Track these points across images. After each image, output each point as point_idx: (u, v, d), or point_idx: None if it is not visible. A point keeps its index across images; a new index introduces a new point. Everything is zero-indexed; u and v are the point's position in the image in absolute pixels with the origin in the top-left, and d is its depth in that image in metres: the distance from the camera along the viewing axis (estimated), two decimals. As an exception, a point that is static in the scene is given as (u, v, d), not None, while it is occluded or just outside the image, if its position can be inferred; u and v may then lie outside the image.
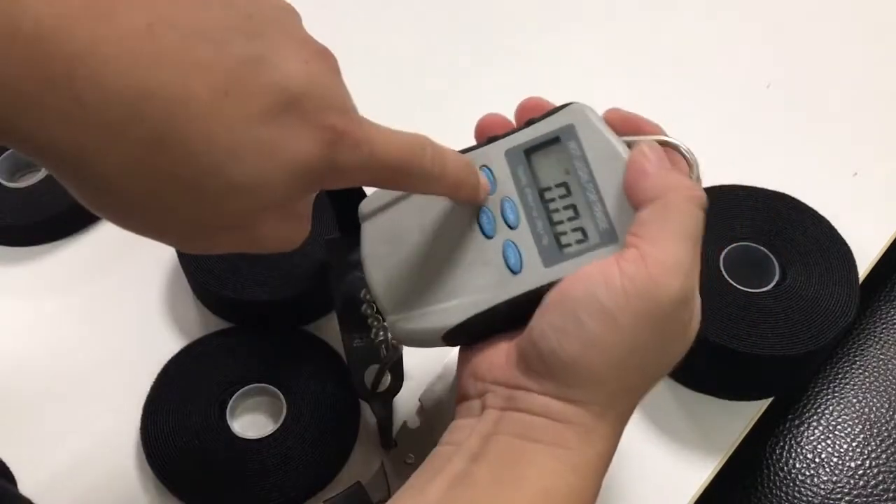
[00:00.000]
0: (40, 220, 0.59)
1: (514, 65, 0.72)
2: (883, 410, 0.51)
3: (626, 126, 0.38)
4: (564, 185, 0.38)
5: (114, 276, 0.58)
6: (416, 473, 0.37)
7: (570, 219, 0.37)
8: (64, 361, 0.54)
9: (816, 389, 0.53)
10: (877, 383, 0.52)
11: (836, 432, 0.50)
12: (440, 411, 0.51)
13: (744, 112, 0.69)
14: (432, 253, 0.39)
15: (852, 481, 0.48)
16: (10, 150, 0.61)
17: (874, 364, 0.53)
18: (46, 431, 0.52)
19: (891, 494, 0.47)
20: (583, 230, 0.37)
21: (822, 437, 0.50)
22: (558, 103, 0.40)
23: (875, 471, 0.48)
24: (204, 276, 0.54)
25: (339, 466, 0.50)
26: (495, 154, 0.39)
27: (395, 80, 0.71)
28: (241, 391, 0.51)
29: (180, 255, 0.55)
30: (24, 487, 0.49)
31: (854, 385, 0.52)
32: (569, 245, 0.37)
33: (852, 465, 0.48)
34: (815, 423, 0.51)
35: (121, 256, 0.59)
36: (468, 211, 0.38)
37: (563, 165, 0.38)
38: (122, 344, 0.55)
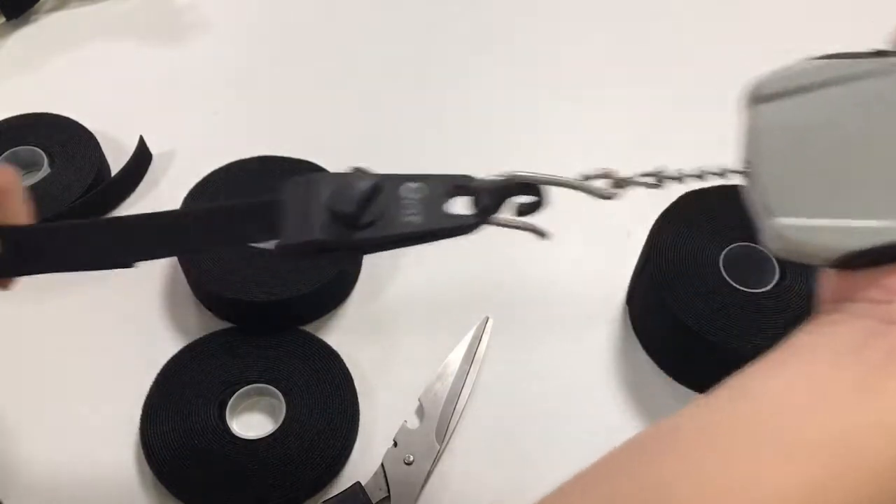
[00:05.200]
0: (40, 220, 0.59)
1: (513, 64, 0.72)
2: (883, 410, 0.50)
3: None
4: None
5: (114, 276, 0.58)
6: (785, 353, 0.33)
7: None
8: (64, 361, 0.54)
9: (816, 389, 0.52)
10: (877, 383, 0.52)
11: (836, 432, 0.50)
12: (439, 412, 0.51)
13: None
14: (845, 159, 0.34)
15: (852, 481, 0.48)
16: (10, 150, 0.61)
17: (874, 364, 0.53)
18: (46, 431, 0.52)
19: (891, 494, 0.47)
20: None
21: (822, 437, 0.50)
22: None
23: (875, 471, 0.48)
24: (204, 276, 0.54)
25: (339, 466, 0.50)
26: None
27: (394, 80, 0.71)
28: (240, 391, 0.51)
29: (180, 256, 0.55)
30: (23, 487, 0.49)
31: (854, 385, 0.52)
32: None
33: (852, 465, 0.48)
34: (814, 423, 0.51)
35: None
36: None
37: None
38: (122, 344, 0.55)
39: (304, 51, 0.72)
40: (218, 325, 0.55)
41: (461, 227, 0.38)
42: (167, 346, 0.54)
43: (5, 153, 0.61)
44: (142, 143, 0.63)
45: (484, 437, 0.52)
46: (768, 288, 0.51)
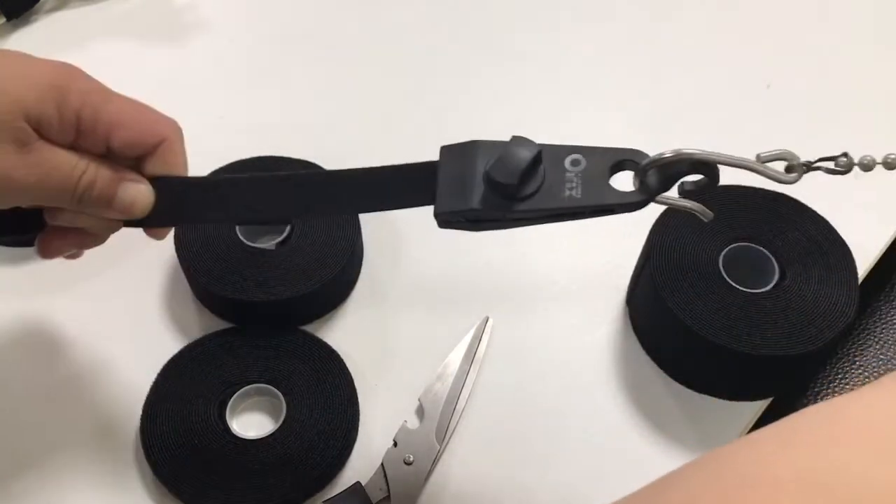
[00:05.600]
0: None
1: (513, 65, 0.72)
2: (883, 410, 0.50)
3: None
4: None
5: (114, 276, 0.58)
6: None
7: None
8: (64, 361, 0.54)
9: (816, 389, 0.53)
10: (877, 383, 0.52)
11: (836, 432, 0.50)
12: (440, 413, 0.51)
13: (744, 112, 0.69)
14: None
15: (852, 481, 0.48)
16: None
17: (874, 364, 0.53)
18: (46, 431, 0.52)
19: (891, 494, 0.47)
20: None
21: (822, 437, 0.50)
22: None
23: (875, 471, 0.48)
24: (204, 276, 0.54)
25: (339, 466, 0.50)
26: None
27: (394, 80, 0.71)
28: (241, 391, 0.51)
29: (180, 256, 0.55)
30: (23, 487, 0.49)
31: (854, 385, 0.52)
32: None
33: (852, 465, 0.48)
34: (814, 423, 0.51)
35: (121, 256, 0.59)
36: None
37: None
38: (122, 344, 0.55)
39: (304, 51, 0.72)
40: (218, 325, 0.55)
41: (626, 204, 0.36)
42: (167, 346, 0.54)
43: (5, 153, 0.61)
44: (142, 143, 0.63)
45: (484, 437, 0.52)
46: (768, 288, 0.51)
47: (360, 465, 0.50)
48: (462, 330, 0.55)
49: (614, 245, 0.59)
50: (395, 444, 0.50)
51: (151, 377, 0.52)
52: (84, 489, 0.49)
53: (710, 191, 0.37)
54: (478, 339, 0.55)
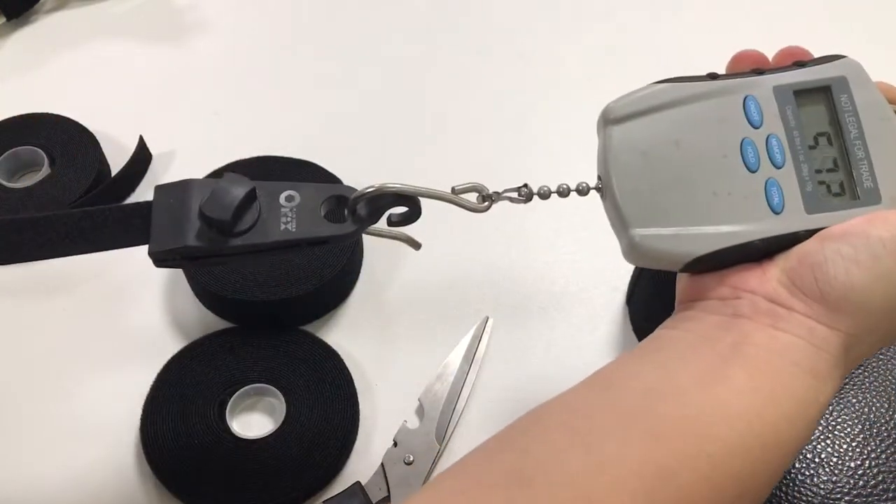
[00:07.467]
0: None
1: (516, 67, 0.72)
2: (883, 410, 0.50)
3: (890, 95, 0.41)
4: (828, 135, 0.38)
5: (114, 276, 0.58)
6: (645, 347, 0.36)
7: (830, 170, 0.38)
8: (64, 361, 0.54)
9: (816, 389, 0.52)
10: (877, 383, 0.52)
11: (836, 432, 0.50)
12: (440, 413, 0.51)
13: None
14: (687, 173, 0.37)
15: (852, 481, 0.48)
16: (11, 150, 0.61)
17: (874, 364, 0.53)
18: (46, 431, 0.52)
19: (891, 494, 0.47)
20: (845, 184, 0.38)
21: (822, 436, 0.50)
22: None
23: (875, 471, 0.48)
24: (204, 276, 0.54)
25: (339, 466, 0.50)
26: (763, 87, 0.39)
27: (394, 80, 0.71)
28: (240, 391, 0.51)
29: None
30: (23, 487, 0.49)
31: (854, 385, 0.52)
32: (830, 196, 0.38)
33: (852, 465, 0.48)
34: (814, 423, 0.51)
35: (121, 256, 0.59)
36: (732, 138, 0.38)
37: (830, 115, 0.39)
38: (122, 344, 0.55)
39: (304, 51, 0.72)
40: (218, 325, 0.55)
41: (339, 235, 0.38)
42: (167, 346, 0.54)
43: (5, 153, 0.61)
44: (142, 143, 0.63)
45: (484, 437, 0.51)
46: (768, 288, 0.51)
47: (360, 465, 0.50)
48: (462, 330, 0.55)
49: (614, 245, 0.59)
50: (395, 444, 0.50)
51: (151, 377, 0.52)
52: (84, 489, 0.49)
53: (413, 221, 0.39)
54: (478, 339, 0.55)
